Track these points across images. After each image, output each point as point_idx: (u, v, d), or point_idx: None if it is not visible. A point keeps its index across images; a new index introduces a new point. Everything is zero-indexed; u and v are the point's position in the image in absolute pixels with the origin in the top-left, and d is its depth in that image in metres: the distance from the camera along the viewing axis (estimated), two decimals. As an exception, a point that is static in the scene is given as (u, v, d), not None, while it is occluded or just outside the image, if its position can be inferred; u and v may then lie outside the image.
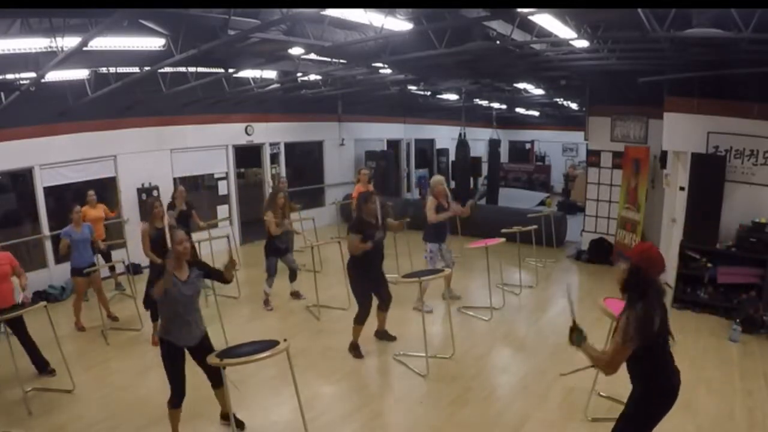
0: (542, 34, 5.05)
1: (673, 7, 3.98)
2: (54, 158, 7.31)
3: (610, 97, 8.28)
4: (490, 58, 6.33)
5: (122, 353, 5.35)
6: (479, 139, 16.94)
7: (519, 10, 4.16)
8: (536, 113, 17.34)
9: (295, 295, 6.79)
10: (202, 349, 3.54)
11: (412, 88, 10.26)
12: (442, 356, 5.08)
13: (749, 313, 5.58)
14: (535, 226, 7.45)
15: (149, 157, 8.51)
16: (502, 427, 3.95)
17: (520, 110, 16.36)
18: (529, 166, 18.64)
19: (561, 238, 9.56)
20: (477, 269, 7.55)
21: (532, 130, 19.69)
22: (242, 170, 11.09)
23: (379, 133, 13.89)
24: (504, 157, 18.34)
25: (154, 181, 8.54)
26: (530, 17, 4.46)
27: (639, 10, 3.83)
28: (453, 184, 13.03)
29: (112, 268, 7.28)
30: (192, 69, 6.92)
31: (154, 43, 5.05)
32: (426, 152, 16.51)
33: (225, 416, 3.90)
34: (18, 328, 4.59)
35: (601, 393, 4.15)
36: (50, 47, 4.56)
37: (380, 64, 6.96)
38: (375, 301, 5.11)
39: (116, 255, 7.30)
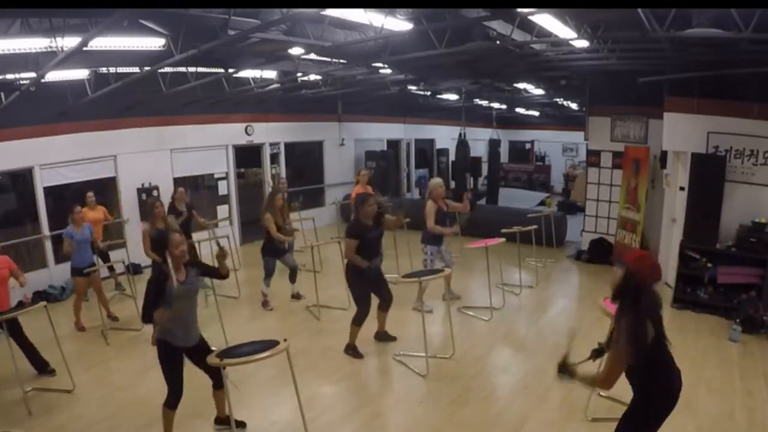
0: (542, 34, 5.05)
1: (673, 7, 3.98)
2: (54, 158, 7.31)
3: (610, 97, 8.28)
4: (490, 58, 6.33)
5: (122, 353, 5.35)
6: (479, 139, 16.94)
7: (519, 10, 4.16)
8: (536, 113, 17.34)
9: (296, 296, 6.79)
10: (200, 350, 3.54)
11: (412, 88, 10.26)
12: (442, 356, 5.08)
13: (749, 313, 5.58)
14: (535, 226, 7.45)
15: (149, 157, 8.51)
16: (502, 427, 3.95)
17: (520, 110, 16.36)
18: (529, 166, 18.64)
19: (561, 238, 9.56)
20: (477, 269, 7.55)
21: (532, 130, 19.69)
22: (242, 170, 11.09)
23: (379, 133, 13.90)
24: (504, 157, 18.33)
25: (154, 181, 8.54)
26: (530, 17, 4.46)
27: (639, 10, 3.83)
28: (453, 184, 13.02)
29: (111, 269, 7.28)
30: (192, 69, 6.92)
31: (154, 43, 5.05)
32: (426, 152, 16.51)
33: (219, 420, 3.89)
34: (14, 330, 4.56)
35: (601, 393, 4.14)
36: (50, 47, 4.56)
37: (380, 64, 6.96)
38: (374, 302, 5.11)
39: (116, 255, 7.29)
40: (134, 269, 7.29)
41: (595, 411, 3.98)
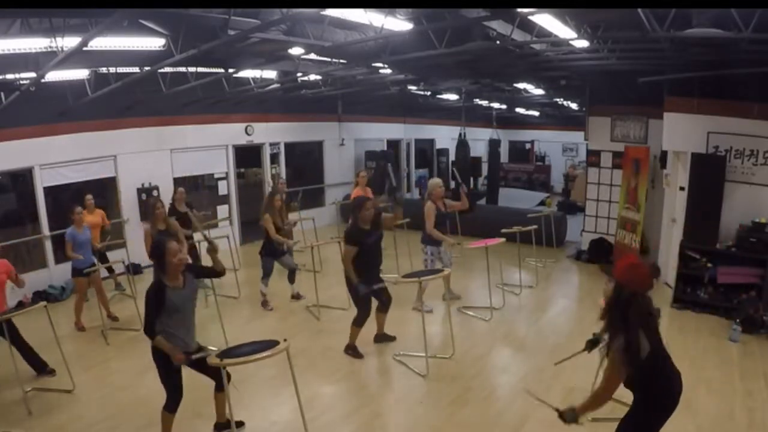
0: (542, 34, 5.04)
1: (673, 7, 3.98)
2: (54, 158, 7.31)
3: (610, 97, 8.28)
4: (490, 58, 6.33)
5: (122, 353, 5.35)
6: (479, 139, 16.94)
7: (519, 10, 4.16)
8: (536, 113, 17.34)
9: (296, 297, 6.79)
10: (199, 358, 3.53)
11: (412, 88, 10.25)
12: (442, 356, 5.08)
13: (749, 313, 5.58)
14: (535, 226, 7.44)
15: (149, 157, 8.51)
16: (502, 427, 3.95)
17: (520, 110, 16.35)
18: (529, 166, 18.64)
19: (561, 238, 9.56)
20: (477, 269, 7.55)
21: (532, 130, 19.68)
22: (242, 170, 11.09)
23: (379, 133, 13.89)
24: (504, 157, 18.33)
25: (154, 181, 8.54)
26: (530, 17, 4.46)
27: (639, 10, 3.83)
28: (453, 184, 13.02)
29: (110, 270, 7.27)
30: (192, 69, 6.92)
31: (154, 43, 5.05)
32: (426, 152, 16.51)
33: (219, 426, 3.87)
34: (11, 332, 4.51)
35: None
36: (50, 47, 4.56)
37: (380, 64, 6.96)
38: (374, 303, 5.10)
39: (117, 255, 7.28)
40: (134, 269, 7.28)
41: (595, 411, 3.97)
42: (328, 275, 7.46)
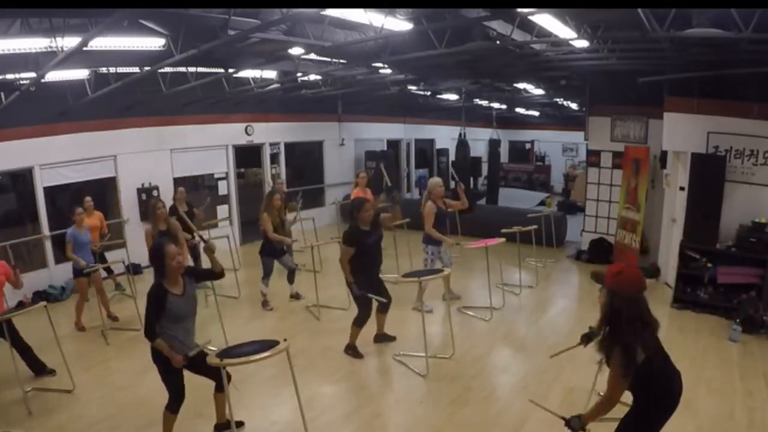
0: (542, 34, 5.05)
1: (673, 7, 3.98)
2: (54, 158, 7.31)
3: (610, 97, 8.28)
4: (490, 58, 6.33)
5: (122, 353, 5.35)
6: (479, 139, 16.94)
7: (519, 10, 4.16)
8: (536, 113, 17.34)
9: (295, 297, 6.79)
10: (197, 358, 3.52)
11: (412, 88, 10.25)
12: (442, 356, 5.08)
13: (749, 313, 5.58)
14: (535, 226, 7.44)
15: (149, 157, 8.51)
16: (502, 427, 3.95)
17: (520, 110, 16.35)
18: (529, 166, 18.64)
19: (561, 238, 9.56)
20: (477, 269, 7.55)
21: (532, 130, 19.69)
22: (242, 170, 11.09)
23: (379, 133, 13.89)
24: (504, 157, 18.33)
25: (154, 181, 8.54)
26: (530, 17, 4.46)
27: (639, 10, 3.83)
28: (453, 184, 13.02)
29: (109, 270, 7.26)
30: (192, 69, 6.92)
31: (154, 43, 5.05)
32: (426, 152, 16.51)
33: (219, 427, 3.87)
34: (10, 333, 4.50)
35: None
36: (50, 47, 4.56)
37: (380, 64, 6.96)
38: (374, 303, 5.10)
39: (117, 255, 7.28)
40: (134, 269, 7.28)
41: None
42: (328, 275, 7.46)
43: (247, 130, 10.21)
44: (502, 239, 6.42)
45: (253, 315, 6.42)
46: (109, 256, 7.18)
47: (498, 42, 5.16)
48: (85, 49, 4.28)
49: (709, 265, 6.18)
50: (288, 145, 11.24)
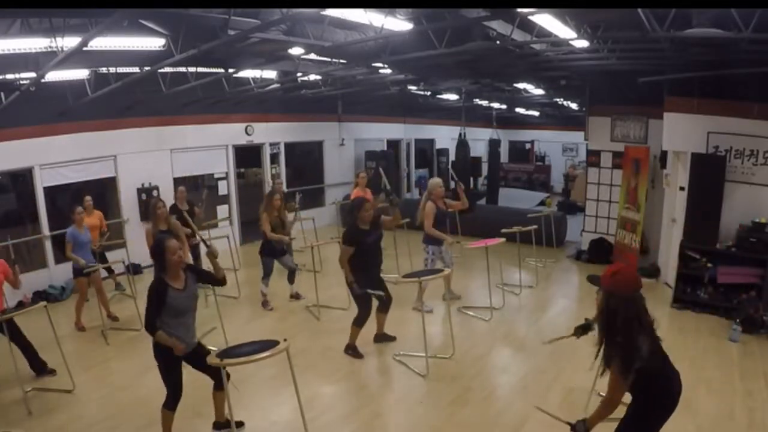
0: (542, 34, 5.04)
1: (673, 7, 3.98)
2: (54, 158, 7.31)
3: (610, 97, 8.28)
4: (490, 58, 6.33)
5: (122, 353, 5.35)
6: (479, 139, 16.94)
7: (519, 10, 4.16)
8: (536, 113, 17.34)
9: (295, 296, 6.79)
10: (198, 354, 3.54)
11: (412, 88, 10.25)
12: (442, 356, 5.08)
13: (749, 313, 5.58)
14: (535, 226, 7.44)
15: (149, 157, 8.51)
16: (502, 427, 3.95)
17: (520, 110, 16.35)
18: (529, 166, 18.64)
19: (561, 238, 9.56)
20: (477, 269, 7.55)
21: (532, 130, 19.68)
22: (242, 170, 11.09)
23: (379, 133, 13.89)
24: (504, 157, 18.33)
25: (154, 181, 8.54)
26: (530, 17, 4.46)
27: (639, 10, 3.83)
28: (453, 184, 13.01)
29: (109, 270, 7.27)
30: (192, 69, 6.92)
31: (154, 43, 5.05)
32: (426, 152, 16.51)
33: (218, 425, 3.88)
34: (12, 331, 4.54)
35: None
36: (50, 47, 4.56)
37: (380, 64, 6.96)
38: (374, 303, 5.10)
39: (116, 255, 7.29)
40: (134, 269, 7.28)
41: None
42: (328, 275, 7.46)
43: (247, 130, 10.21)
44: (502, 239, 6.42)
45: (253, 315, 6.42)
46: (110, 256, 7.19)
47: (498, 42, 5.16)
48: (85, 49, 4.28)
49: (709, 265, 6.18)
50: (288, 145, 11.24)
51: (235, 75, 7.38)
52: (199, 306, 3.69)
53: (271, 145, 10.79)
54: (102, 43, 4.67)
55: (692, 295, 6.30)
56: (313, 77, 8.11)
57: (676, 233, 6.73)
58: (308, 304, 6.52)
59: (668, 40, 4.76)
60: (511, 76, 8.72)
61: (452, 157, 14.25)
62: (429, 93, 11.34)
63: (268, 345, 3.33)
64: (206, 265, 4.74)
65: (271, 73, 7.82)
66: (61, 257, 6.81)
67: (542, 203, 14.70)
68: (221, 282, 3.75)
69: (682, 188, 6.66)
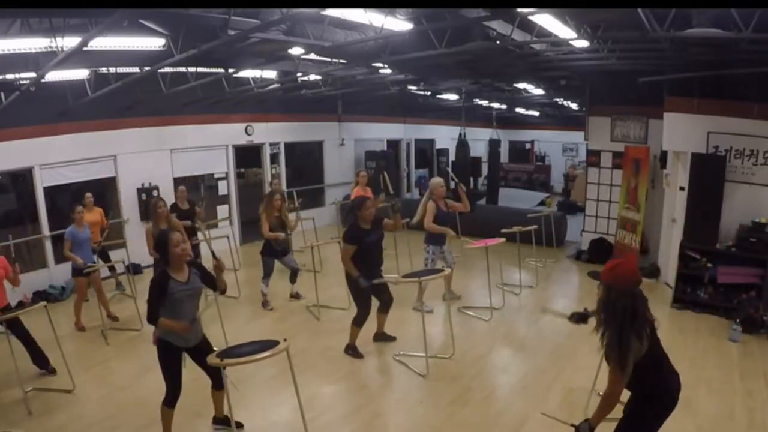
0: (542, 34, 5.04)
1: (673, 7, 3.98)
2: (54, 158, 7.31)
3: (610, 97, 8.28)
4: (490, 58, 6.33)
5: (122, 353, 5.35)
6: (479, 139, 16.94)
7: (519, 10, 4.16)
8: (536, 113, 17.34)
9: (295, 296, 6.79)
10: (201, 350, 3.54)
11: (412, 88, 10.25)
12: (442, 356, 5.08)
13: (749, 313, 5.58)
14: (535, 226, 7.45)
15: (149, 157, 8.51)
16: (502, 427, 3.95)
17: (520, 110, 16.35)
18: (529, 166, 18.64)
19: (561, 238, 9.57)
20: (477, 269, 7.55)
21: (532, 130, 19.68)
22: (242, 170, 11.09)
23: (379, 133, 13.89)
24: (504, 157, 18.34)
25: (154, 181, 8.54)
26: (530, 17, 4.46)
27: (639, 10, 3.83)
28: (452, 184, 13.01)
29: (111, 269, 7.28)
30: (192, 69, 6.92)
31: (154, 43, 5.05)
32: (426, 152, 16.51)
33: (217, 420, 3.90)
34: (16, 327, 4.58)
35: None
36: (50, 47, 4.56)
37: (380, 64, 6.96)
38: (374, 303, 5.10)
39: (116, 255, 7.29)
40: (134, 269, 7.28)
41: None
42: (328, 275, 7.46)
43: (247, 130, 10.21)
44: (502, 239, 6.42)
45: (253, 315, 6.42)
46: (110, 255, 7.18)
47: (498, 42, 5.16)
48: (85, 49, 4.28)
49: (709, 265, 6.18)
50: (288, 145, 11.24)
51: (235, 75, 7.38)
52: (199, 306, 3.69)
53: (271, 145, 10.79)
54: (102, 43, 4.67)
55: (692, 295, 6.30)
56: (313, 77, 8.11)
57: (676, 233, 6.73)
58: (308, 304, 6.52)
59: (668, 40, 4.76)
60: (511, 76, 8.72)
61: (452, 157, 14.26)
62: (429, 93, 11.34)
63: (268, 345, 3.33)
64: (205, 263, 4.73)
65: (271, 73, 7.82)
66: (61, 257, 6.81)
67: (542, 203, 14.71)
68: (221, 292, 3.80)
69: (682, 188, 6.66)
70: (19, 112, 6.57)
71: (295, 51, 5.47)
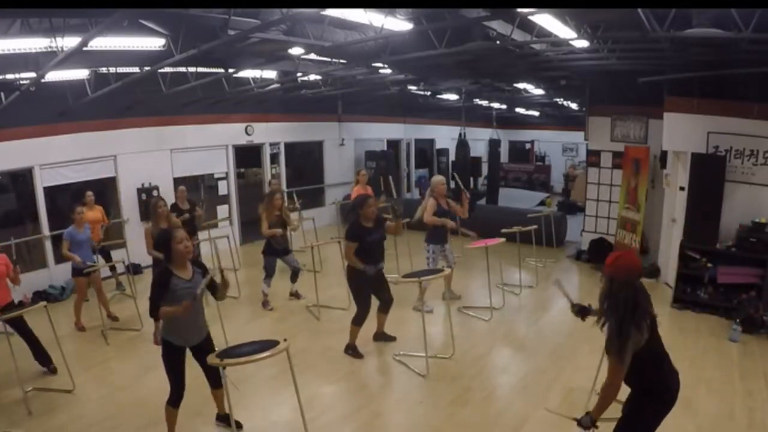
0: (542, 34, 5.04)
1: (673, 7, 3.98)
2: (54, 158, 7.31)
3: (610, 97, 8.28)
4: (490, 58, 6.33)
5: (122, 353, 5.35)
6: (479, 139, 16.94)
7: (519, 10, 4.16)
8: (536, 113, 17.34)
9: (295, 295, 6.79)
10: (204, 348, 3.55)
11: (412, 88, 10.25)
12: (442, 356, 5.08)
13: (749, 313, 5.58)
14: (535, 226, 7.45)
15: (149, 157, 8.51)
16: (502, 427, 3.95)
17: (520, 110, 16.35)
18: (529, 166, 18.64)
19: (561, 238, 9.57)
20: (477, 269, 7.55)
21: (532, 130, 19.68)
22: (242, 170, 11.10)
23: (379, 133, 13.89)
24: (504, 157, 18.33)
25: (154, 181, 8.54)
26: (530, 17, 4.46)
27: (639, 10, 3.83)
28: (453, 184, 13.02)
29: (112, 268, 7.28)
30: (192, 69, 6.91)
31: (154, 43, 5.05)
32: (426, 152, 16.52)
33: (220, 417, 3.91)
34: (18, 324, 4.58)
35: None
36: (50, 47, 4.55)
37: (380, 64, 6.96)
38: (375, 302, 5.10)
39: (116, 255, 7.29)
40: (134, 269, 7.28)
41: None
42: (328, 275, 7.46)
43: (247, 130, 10.21)
44: (502, 239, 6.42)
45: (253, 315, 6.42)
46: (111, 255, 7.18)
47: (498, 42, 5.16)
48: (85, 49, 4.28)
49: (709, 265, 6.18)
50: (288, 145, 11.24)
51: (235, 75, 7.38)
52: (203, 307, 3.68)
53: (271, 145, 10.79)
54: (102, 43, 4.67)
55: (692, 295, 6.30)
56: (313, 77, 8.11)
57: (676, 233, 6.73)
58: (308, 304, 6.52)
59: (668, 40, 4.76)
60: (511, 76, 8.72)
61: (452, 157, 14.27)
62: (429, 93, 11.34)
63: (268, 345, 3.33)
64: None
65: (271, 73, 7.81)
66: (61, 257, 6.80)
67: (542, 203, 14.70)
68: (220, 299, 3.82)
69: (682, 188, 6.66)
70: (19, 112, 6.57)
71: (295, 51, 5.47)
